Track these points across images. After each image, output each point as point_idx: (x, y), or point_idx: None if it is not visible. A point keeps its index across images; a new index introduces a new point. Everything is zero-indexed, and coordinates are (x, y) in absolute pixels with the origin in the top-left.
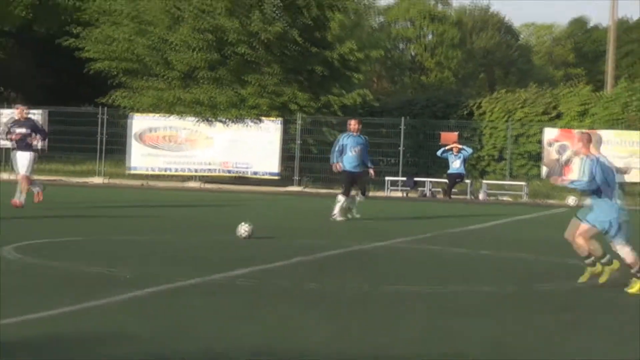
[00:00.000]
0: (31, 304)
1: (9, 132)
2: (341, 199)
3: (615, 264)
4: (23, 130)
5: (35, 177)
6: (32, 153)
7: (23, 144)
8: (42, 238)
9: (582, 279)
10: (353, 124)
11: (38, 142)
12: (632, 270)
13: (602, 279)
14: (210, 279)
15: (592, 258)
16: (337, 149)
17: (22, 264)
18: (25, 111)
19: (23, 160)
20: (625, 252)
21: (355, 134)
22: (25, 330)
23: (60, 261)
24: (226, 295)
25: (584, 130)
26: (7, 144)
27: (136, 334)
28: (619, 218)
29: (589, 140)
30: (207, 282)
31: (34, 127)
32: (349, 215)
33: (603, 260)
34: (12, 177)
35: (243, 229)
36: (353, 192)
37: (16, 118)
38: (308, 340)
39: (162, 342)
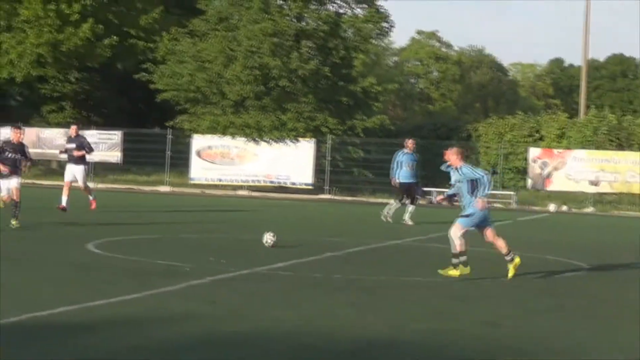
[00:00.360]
0: (110, 291)
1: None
2: (393, 203)
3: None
4: (72, 145)
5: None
6: (83, 166)
7: (74, 157)
8: (118, 236)
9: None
10: (411, 143)
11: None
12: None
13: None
14: (256, 270)
15: (464, 257)
16: (395, 165)
17: (102, 258)
18: (77, 130)
19: (78, 173)
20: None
21: (410, 152)
22: (105, 311)
23: (134, 256)
24: (269, 284)
25: (452, 146)
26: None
27: (197, 315)
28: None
29: (461, 153)
30: (254, 272)
31: (81, 144)
32: (403, 222)
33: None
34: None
35: (268, 237)
36: (406, 202)
37: (71, 135)
38: (335, 321)
39: (217, 322)
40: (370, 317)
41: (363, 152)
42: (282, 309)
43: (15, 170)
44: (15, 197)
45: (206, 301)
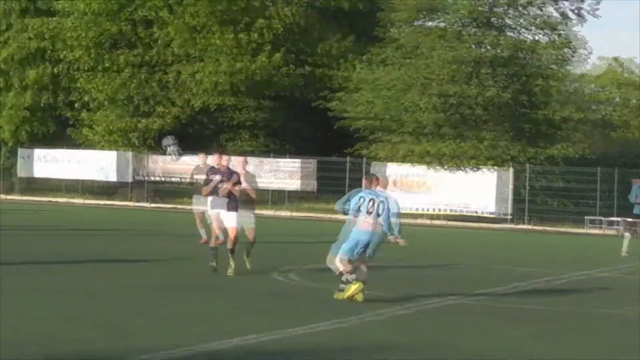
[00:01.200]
0: (311, 318)
1: (208, 180)
2: (628, 236)
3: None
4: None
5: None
6: (236, 213)
7: (232, 201)
8: (303, 264)
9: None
10: None
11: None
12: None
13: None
14: (460, 300)
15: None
16: (634, 197)
17: (297, 286)
18: (226, 160)
19: (234, 220)
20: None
21: None
22: (308, 339)
23: (319, 283)
24: (467, 314)
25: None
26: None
27: (395, 345)
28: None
29: (366, 180)
30: (457, 303)
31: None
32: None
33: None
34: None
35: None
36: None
37: (220, 176)
38: (520, 351)
39: (413, 352)
40: (554, 348)
41: (562, 182)
42: (472, 340)
43: (232, 204)
44: (250, 238)
45: (408, 331)
